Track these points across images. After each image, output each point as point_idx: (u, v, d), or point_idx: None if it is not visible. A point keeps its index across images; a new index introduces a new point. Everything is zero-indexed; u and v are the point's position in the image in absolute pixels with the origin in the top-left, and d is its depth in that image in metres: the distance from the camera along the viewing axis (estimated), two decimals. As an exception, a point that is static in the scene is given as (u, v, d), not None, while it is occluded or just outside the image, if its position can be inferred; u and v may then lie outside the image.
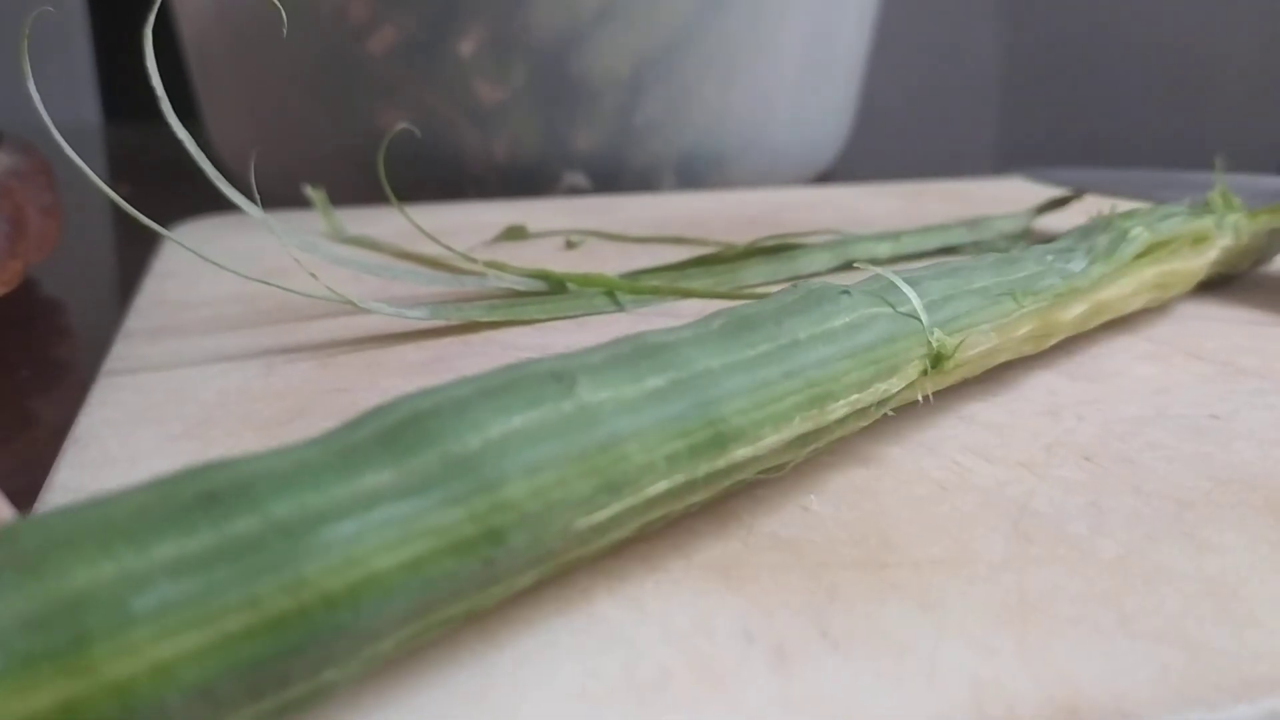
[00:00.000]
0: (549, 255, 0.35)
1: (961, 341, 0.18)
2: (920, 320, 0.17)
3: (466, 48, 0.44)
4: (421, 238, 0.32)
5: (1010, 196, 0.43)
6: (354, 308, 0.24)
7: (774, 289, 0.30)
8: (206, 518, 0.09)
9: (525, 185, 0.46)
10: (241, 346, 0.24)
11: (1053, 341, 0.21)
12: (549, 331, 0.26)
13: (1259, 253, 0.28)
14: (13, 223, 0.32)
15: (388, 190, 0.28)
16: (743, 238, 0.36)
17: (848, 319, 0.16)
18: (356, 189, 0.43)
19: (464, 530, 0.11)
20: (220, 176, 0.23)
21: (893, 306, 0.17)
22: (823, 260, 0.32)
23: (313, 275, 0.24)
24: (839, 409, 0.16)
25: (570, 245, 0.36)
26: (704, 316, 0.16)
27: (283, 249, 0.26)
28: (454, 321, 0.26)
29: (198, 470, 0.10)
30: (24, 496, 0.17)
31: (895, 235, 0.34)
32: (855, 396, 0.16)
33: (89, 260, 0.42)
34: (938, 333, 0.18)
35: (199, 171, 0.22)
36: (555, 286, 0.29)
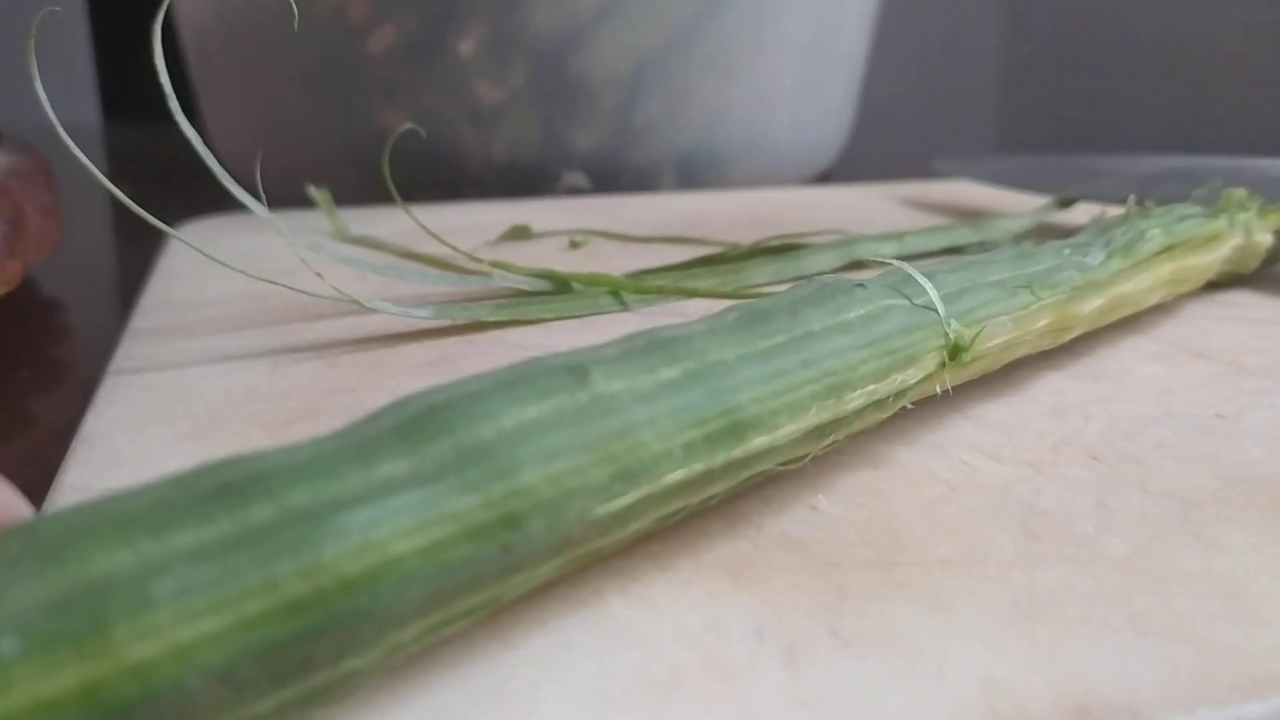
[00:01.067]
0: (552, 255, 0.35)
1: (979, 332, 0.18)
2: (937, 311, 0.17)
3: (466, 48, 0.44)
4: (424, 238, 0.32)
5: (1011, 196, 0.43)
6: (360, 308, 0.24)
7: (780, 288, 0.30)
8: (224, 507, 0.09)
9: (525, 185, 0.46)
10: (248, 346, 0.24)
11: (1071, 335, 0.21)
12: (555, 331, 0.26)
13: (1271, 251, 0.28)
14: (12, 223, 0.32)
15: (392, 189, 0.28)
16: (744, 238, 0.36)
17: (863, 310, 0.16)
18: (356, 189, 0.43)
19: (480, 516, 0.11)
20: (228, 176, 0.23)
21: (908, 299, 0.17)
22: (828, 260, 0.32)
23: (319, 275, 0.24)
24: (856, 399, 0.16)
25: (574, 245, 0.36)
26: (717, 312, 0.16)
27: (286, 249, 0.26)
28: (459, 321, 0.26)
29: (214, 465, 0.10)
30: (25, 496, 0.17)
31: (900, 235, 0.34)
32: (872, 387, 0.16)
33: (89, 260, 0.42)
34: (955, 323, 0.18)
35: (199, 172, 0.22)
36: (560, 286, 0.29)
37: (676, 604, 0.13)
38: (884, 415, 0.17)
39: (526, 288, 0.28)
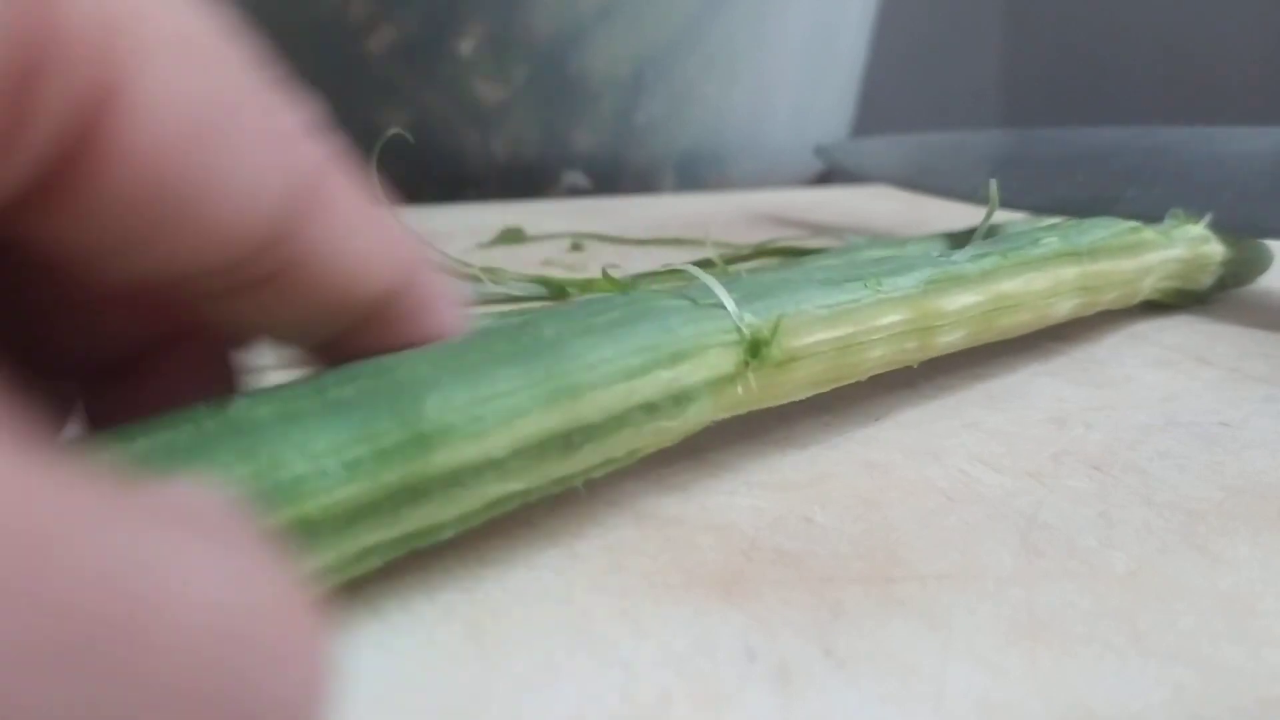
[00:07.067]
0: (550, 256, 0.35)
1: (778, 323, 0.16)
2: (726, 308, 0.16)
3: (466, 47, 0.43)
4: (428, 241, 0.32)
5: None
6: None
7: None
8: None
9: (525, 185, 0.46)
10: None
11: (951, 338, 0.20)
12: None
13: (1229, 268, 0.27)
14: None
15: (379, 190, 0.28)
16: (743, 238, 0.35)
17: (614, 315, 0.15)
18: (355, 190, 0.43)
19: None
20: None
21: (693, 301, 0.16)
22: (826, 261, 0.32)
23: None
24: (602, 398, 0.14)
25: (575, 248, 0.36)
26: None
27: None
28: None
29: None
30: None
31: (901, 241, 0.33)
32: (624, 386, 0.14)
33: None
34: (749, 318, 0.16)
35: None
36: (555, 292, 0.28)
37: (664, 622, 0.13)
38: (680, 423, 0.15)
39: (519, 293, 0.28)
